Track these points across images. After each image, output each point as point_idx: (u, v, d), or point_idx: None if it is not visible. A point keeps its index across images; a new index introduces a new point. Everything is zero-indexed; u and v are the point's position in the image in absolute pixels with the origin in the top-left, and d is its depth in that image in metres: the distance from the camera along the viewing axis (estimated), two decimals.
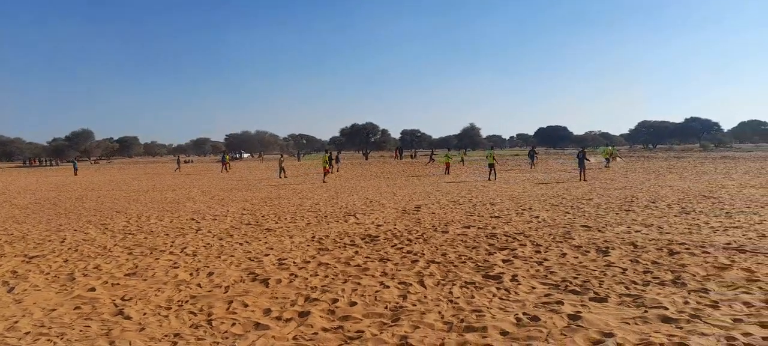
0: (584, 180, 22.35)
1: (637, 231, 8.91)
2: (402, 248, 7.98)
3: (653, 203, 12.95)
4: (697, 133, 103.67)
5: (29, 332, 4.54)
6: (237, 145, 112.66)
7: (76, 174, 43.62)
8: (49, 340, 4.35)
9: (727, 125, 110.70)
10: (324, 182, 26.06)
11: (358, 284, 5.89)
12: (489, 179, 24.36)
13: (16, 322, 4.83)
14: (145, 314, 4.99)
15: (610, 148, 34.84)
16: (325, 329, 4.46)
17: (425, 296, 5.30)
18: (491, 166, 25.32)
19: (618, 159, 39.85)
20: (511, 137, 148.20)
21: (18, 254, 8.25)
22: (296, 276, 6.33)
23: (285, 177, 30.30)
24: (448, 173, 29.60)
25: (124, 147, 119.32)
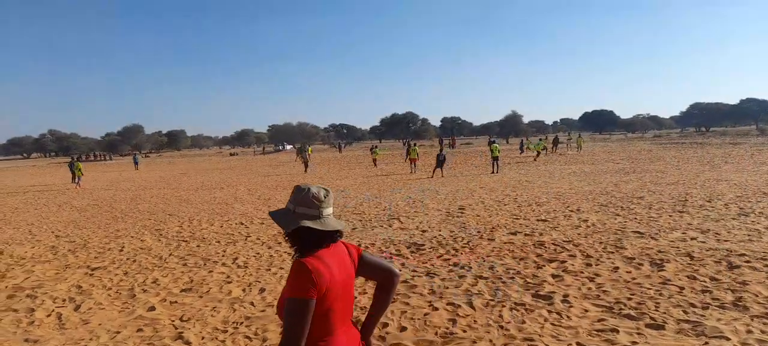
0: (495, 173, 23.68)
1: (692, 238, 8.58)
2: (448, 259, 7.95)
3: (709, 202, 12.44)
4: (753, 114, 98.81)
5: None
6: (279, 136, 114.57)
7: (136, 169, 45.66)
8: None
9: None
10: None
11: (407, 304, 5.91)
12: (493, 172, 24.28)
13: None
14: (203, 337, 5.17)
15: (541, 142, 34.50)
16: None
17: (475, 321, 5.27)
18: (495, 159, 24.95)
19: (563, 147, 39.17)
20: (555, 122, 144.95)
21: (81, 265, 8.67)
22: None
23: (306, 172, 30.57)
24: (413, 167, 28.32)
25: (173, 140, 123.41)
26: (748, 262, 6.98)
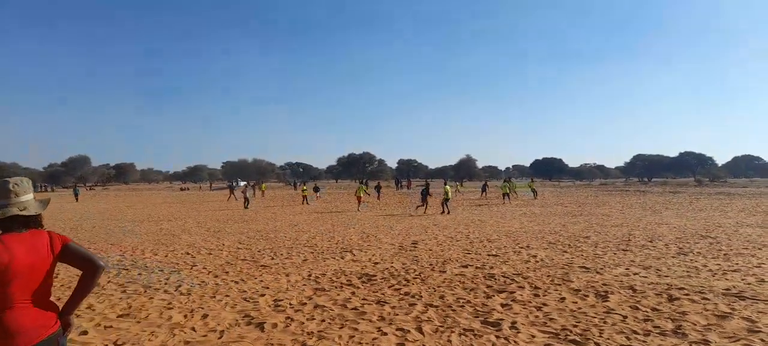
0: (416, 214, 23.99)
1: (635, 273, 8.85)
2: (399, 289, 7.88)
3: (651, 242, 12.91)
4: (691, 167, 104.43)
5: None
6: (234, 172, 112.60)
7: (77, 200, 43.50)
8: None
9: (721, 160, 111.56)
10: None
11: (356, 329, 5.79)
12: (442, 213, 23.88)
13: None
14: None
15: (508, 183, 35.40)
16: None
17: (424, 345, 5.20)
18: (445, 200, 25.02)
19: (517, 193, 40.13)
20: (507, 168, 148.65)
21: None
22: (292, 320, 6.22)
23: (246, 208, 30.23)
24: (361, 207, 28.69)
25: (121, 173, 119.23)
26: (687, 295, 7.23)
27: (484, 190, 46.15)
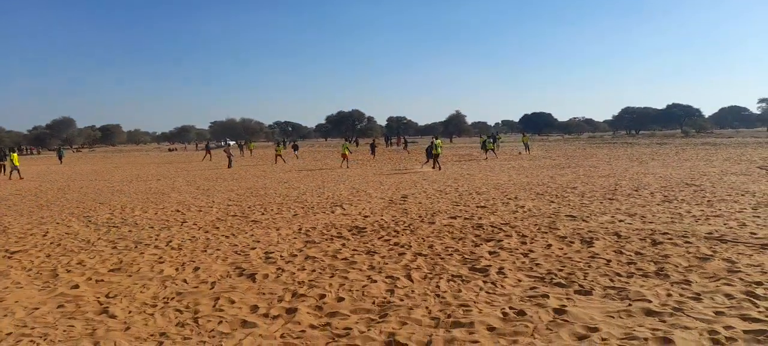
0: (437, 169, 23.43)
1: (620, 221, 9.01)
2: (389, 239, 7.98)
3: (636, 191, 13.09)
4: (678, 119, 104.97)
5: (11, 333, 4.46)
6: (222, 132, 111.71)
7: (61, 162, 42.97)
8: (31, 341, 4.28)
9: (708, 111, 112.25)
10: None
11: (346, 278, 5.88)
12: (433, 168, 23.65)
13: None
14: (130, 312, 4.93)
15: (484, 137, 35.20)
16: (312, 326, 4.44)
17: (412, 291, 5.31)
18: (436, 156, 24.50)
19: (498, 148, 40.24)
20: (497, 123, 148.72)
21: None
22: (283, 271, 6.30)
23: (230, 167, 29.82)
24: (344, 164, 28.33)
25: (107, 135, 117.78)
26: (670, 239, 7.38)
27: (484, 147, 45.88)
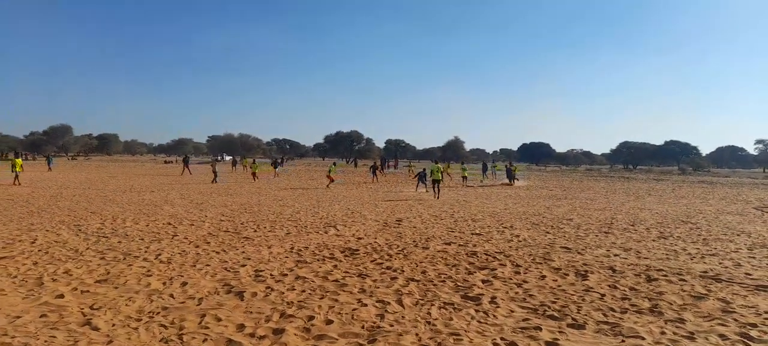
0: (436, 196, 21.70)
1: (616, 255, 8.97)
2: (381, 263, 7.91)
3: (632, 225, 13.07)
4: (676, 156, 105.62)
5: None
6: (219, 147, 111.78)
7: (50, 170, 42.64)
8: None
9: (705, 150, 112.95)
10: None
11: (336, 300, 5.81)
12: (434, 196, 21.64)
13: None
14: (113, 325, 4.84)
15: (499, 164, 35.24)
16: None
17: (403, 317, 5.23)
18: (436, 182, 22.56)
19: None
20: (495, 151, 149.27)
21: None
22: (272, 290, 6.22)
23: (215, 182, 29.37)
24: (330, 186, 27.72)
25: (104, 144, 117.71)
26: (665, 276, 7.34)
27: (484, 171, 45.60)
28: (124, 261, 7.68)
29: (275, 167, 39.90)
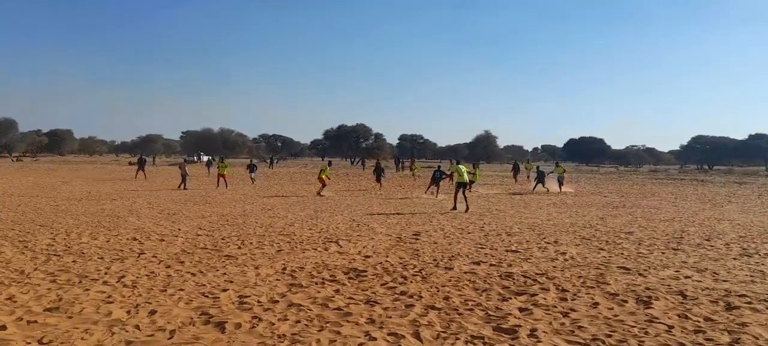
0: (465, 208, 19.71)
1: (687, 277, 8.92)
2: (395, 287, 7.94)
3: (708, 240, 13.00)
4: (762, 152, 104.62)
5: None
6: (197, 144, 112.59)
7: None
8: None
9: None
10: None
11: (338, 332, 5.83)
12: (454, 209, 19.75)
13: None
14: None
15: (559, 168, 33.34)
16: None
17: None
18: (461, 185, 20.08)
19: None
20: (536, 149, 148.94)
21: None
22: (260, 320, 6.26)
23: (184, 188, 29.22)
24: (322, 192, 27.12)
25: (55, 142, 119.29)
26: (749, 303, 7.28)
27: (516, 172, 45.95)
28: (80, 285, 7.77)
29: (251, 172, 38.12)
